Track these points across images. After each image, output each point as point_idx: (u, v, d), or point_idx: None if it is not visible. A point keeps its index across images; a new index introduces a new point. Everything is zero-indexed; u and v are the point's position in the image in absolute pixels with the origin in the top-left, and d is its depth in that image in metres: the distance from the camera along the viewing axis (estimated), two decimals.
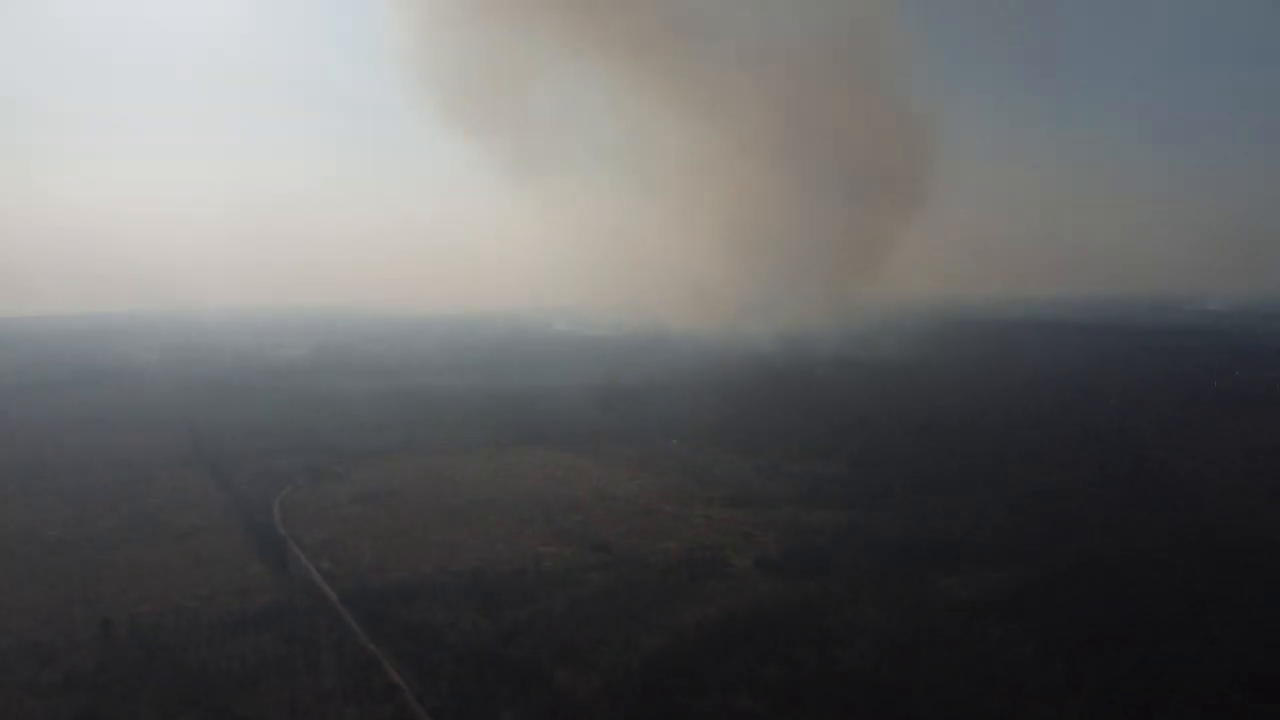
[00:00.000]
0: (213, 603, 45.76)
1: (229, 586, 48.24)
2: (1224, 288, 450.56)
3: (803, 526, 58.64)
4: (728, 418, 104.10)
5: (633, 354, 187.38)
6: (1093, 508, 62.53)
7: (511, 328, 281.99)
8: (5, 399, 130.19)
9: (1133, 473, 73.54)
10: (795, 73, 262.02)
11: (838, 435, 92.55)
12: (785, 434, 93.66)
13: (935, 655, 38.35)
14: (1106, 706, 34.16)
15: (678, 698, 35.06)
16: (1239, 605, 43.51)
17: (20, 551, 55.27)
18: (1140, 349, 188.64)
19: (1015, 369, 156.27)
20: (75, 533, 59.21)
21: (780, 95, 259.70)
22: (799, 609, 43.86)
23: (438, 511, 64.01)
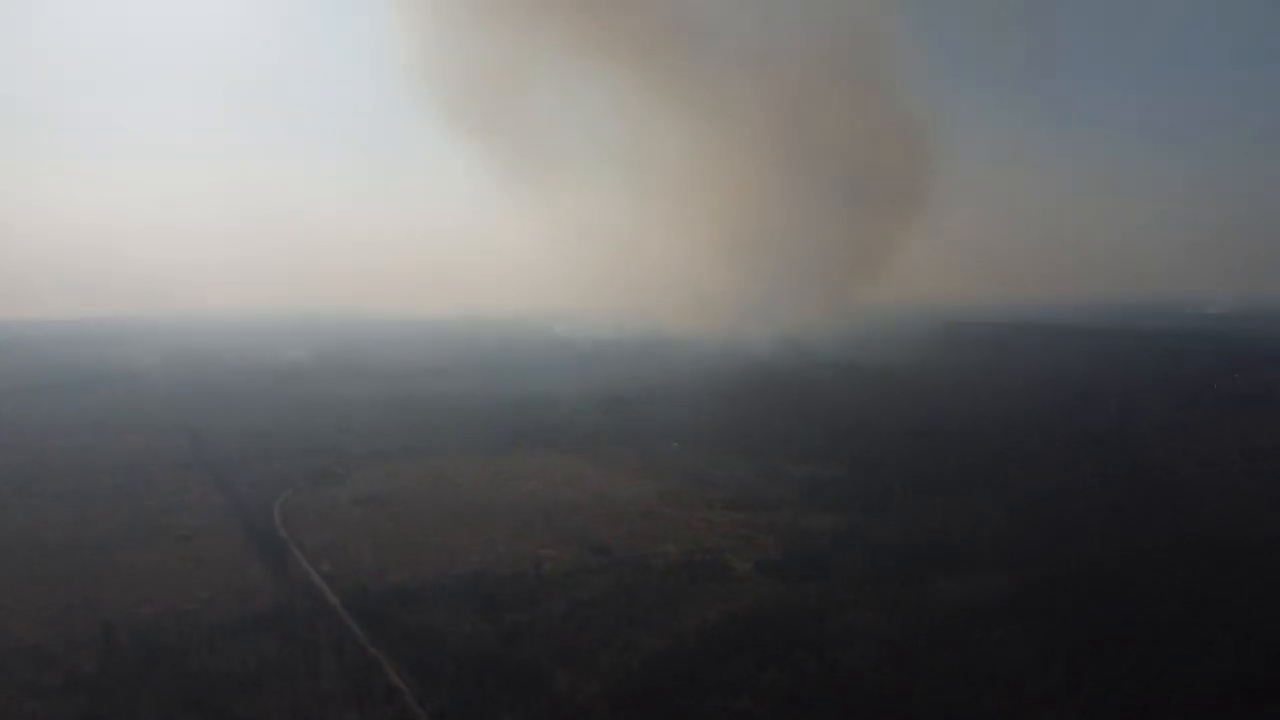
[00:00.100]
0: (213, 605, 45.79)
1: (230, 589, 48.28)
2: (1224, 291, 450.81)
3: (803, 529, 58.69)
4: (728, 421, 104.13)
5: (633, 357, 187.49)
6: (1092, 511, 62.58)
7: (512, 331, 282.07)
8: (5, 403, 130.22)
9: (1132, 476, 73.56)
10: (796, 76, 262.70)
11: (838, 438, 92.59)
12: (785, 437, 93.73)
13: (935, 658, 38.38)
14: (1106, 709, 34.20)
15: (678, 700, 35.10)
16: (1239, 608, 43.53)
17: (21, 555, 55.29)
18: (1140, 352, 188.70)
19: (1015, 372, 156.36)
20: (76, 536, 59.25)
21: (781, 98, 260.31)
22: (799, 612, 43.89)
23: (438, 515, 64.06)
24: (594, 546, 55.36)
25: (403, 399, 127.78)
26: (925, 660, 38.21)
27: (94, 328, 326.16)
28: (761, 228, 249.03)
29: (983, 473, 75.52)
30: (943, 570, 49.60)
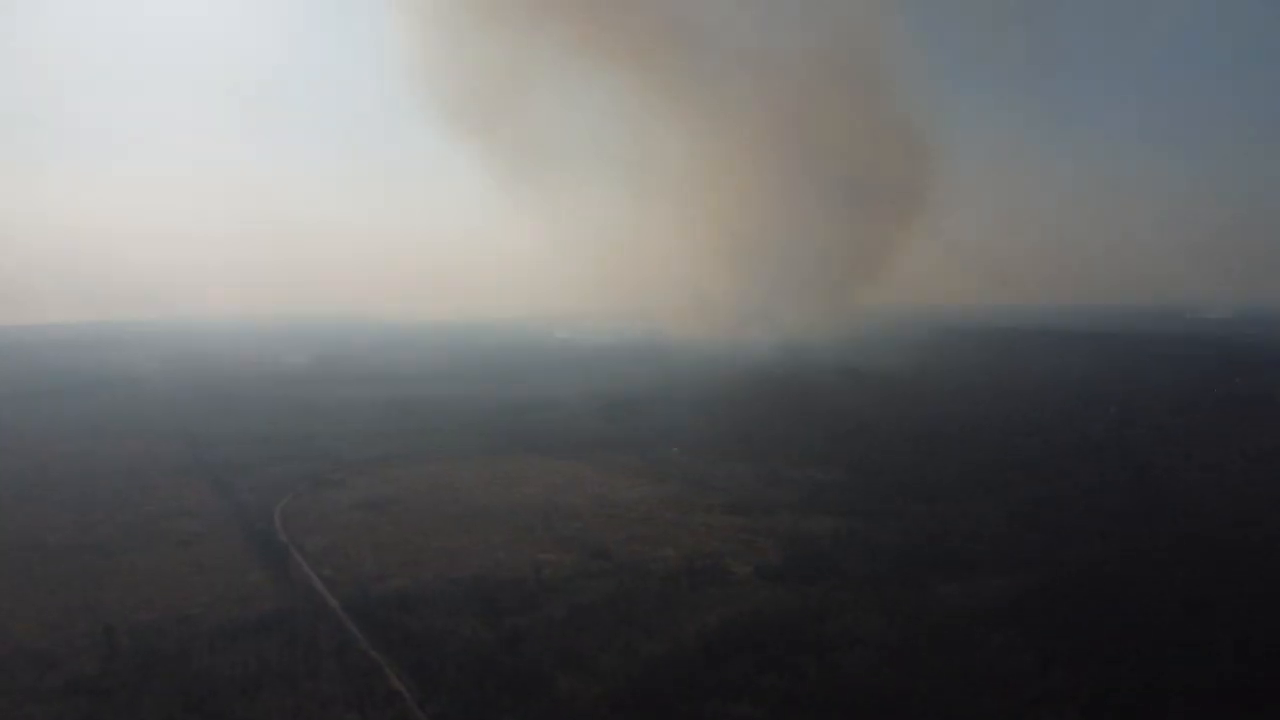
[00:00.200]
0: (214, 609, 45.86)
1: (230, 593, 48.35)
2: (1225, 295, 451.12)
3: (803, 533, 58.76)
4: (728, 424, 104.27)
5: (633, 360, 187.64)
6: (1092, 515, 62.64)
7: (512, 335, 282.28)
8: (6, 407, 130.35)
9: (1132, 480, 73.64)
10: (795, 77, 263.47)
11: (838, 441, 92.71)
12: (785, 441, 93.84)
13: (935, 662, 38.45)
14: (1106, 713, 34.25)
15: (678, 705, 35.16)
16: (1239, 611, 43.60)
17: (21, 559, 55.38)
18: (1140, 357, 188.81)
19: (1015, 377, 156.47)
20: (76, 540, 59.34)
21: (781, 100, 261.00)
22: (799, 616, 43.96)
23: (439, 519, 64.13)
24: (594, 550, 55.42)
25: (403, 403, 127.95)
26: (925, 664, 38.27)
27: (94, 332, 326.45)
28: (761, 230, 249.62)
29: (982, 476, 75.62)
30: (943, 573, 49.68)
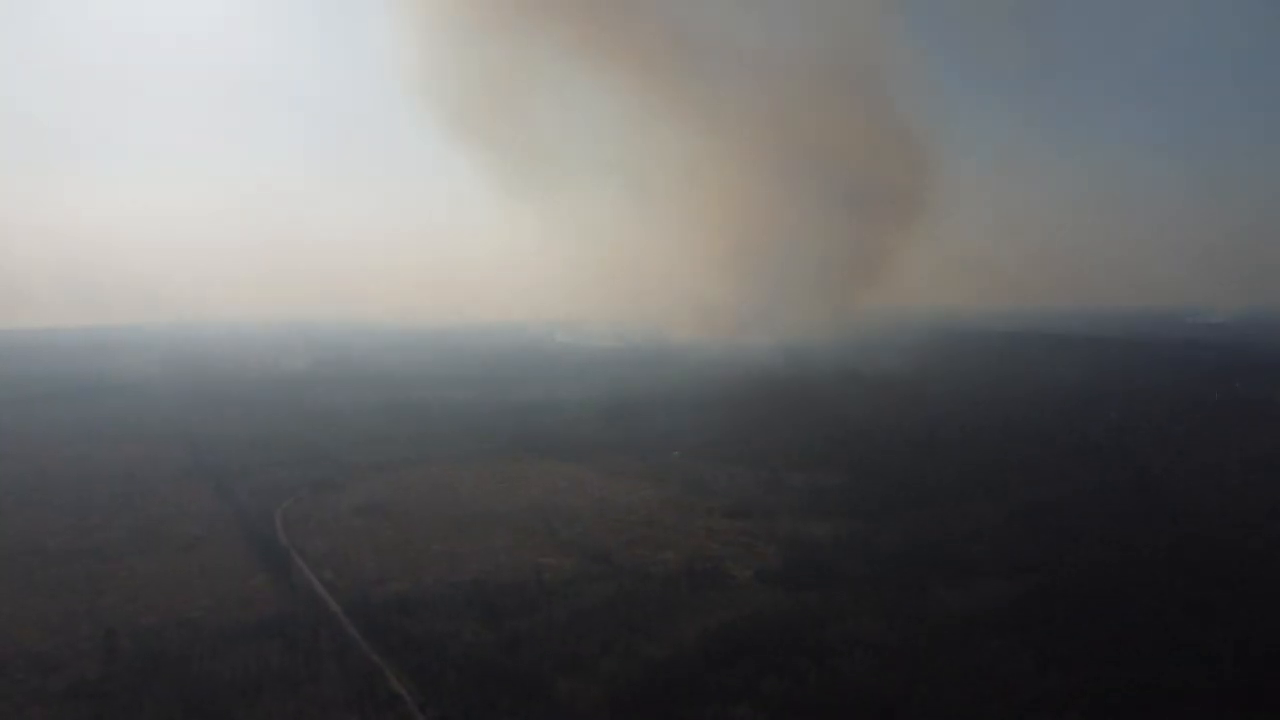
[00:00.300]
0: (216, 613, 45.97)
1: (232, 597, 48.45)
2: (1226, 299, 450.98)
3: (803, 537, 58.85)
4: (728, 429, 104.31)
5: (634, 365, 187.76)
6: (1092, 518, 62.72)
7: (513, 339, 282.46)
8: (7, 411, 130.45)
9: (1132, 484, 73.71)
10: (797, 84, 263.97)
11: (838, 446, 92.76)
12: (785, 444, 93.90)
13: (934, 666, 38.54)
14: (1104, 715, 34.33)
15: (678, 708, 35.26)
16: (1238, 616, 43.68)
17: (23, 562, 55.50)
18: (1140, 361, 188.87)
19: (1015, 381, 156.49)
20: (78, 544, 59.45)
21: (781, 106, 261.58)
22: (799, 619, 44.06)
23: (439, 523, 64.22)
24: (595, 554, 55.53)
25: (403, 407, 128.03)
26: (925, 668, 38.36)
27: (94, 336, 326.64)
28: (762, 233, 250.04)
29: (982, 478, 75.70)
30: (942, 577, 49.77)
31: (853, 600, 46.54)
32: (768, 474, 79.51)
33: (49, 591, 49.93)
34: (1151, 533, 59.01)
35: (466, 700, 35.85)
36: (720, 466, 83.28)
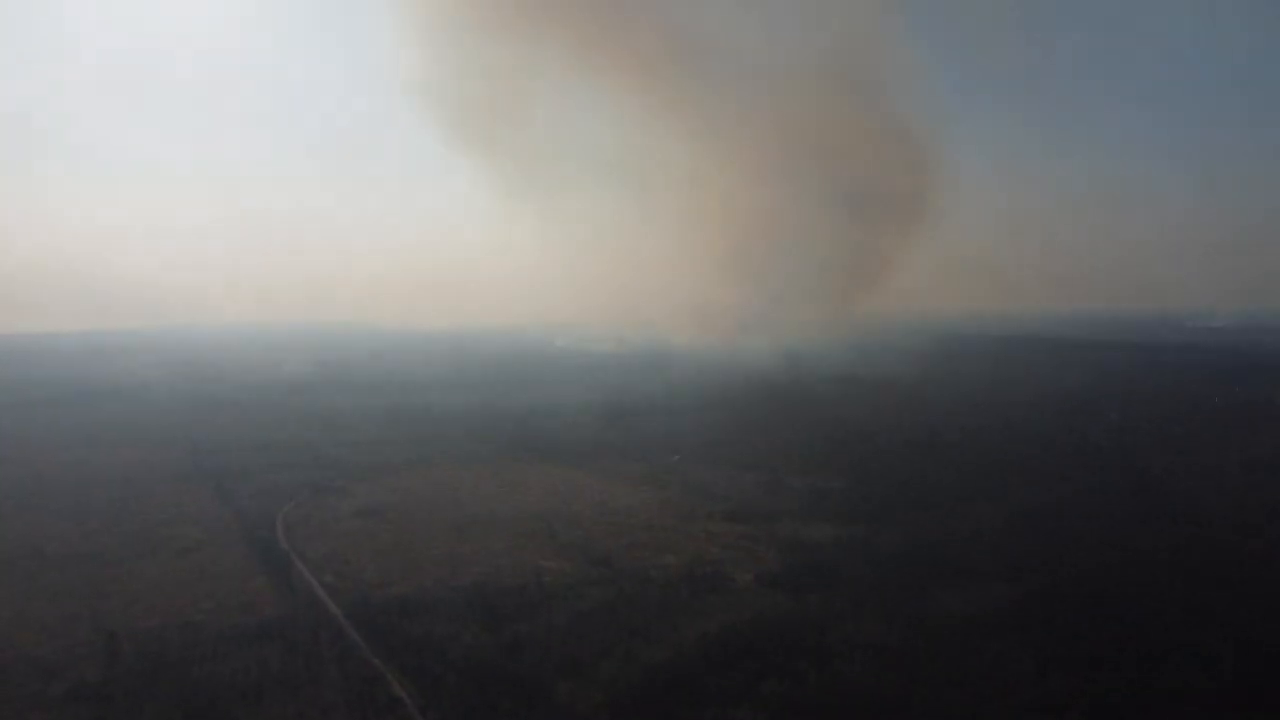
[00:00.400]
0: (217, 616, 45.98)
1: (233, 601, 48.46)
2: (1228, 303, 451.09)
3: (803, 541, 58.87)
4: (729, 432, 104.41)
5: (634, 370, 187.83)
6: (1092, 522, 62.73)
7: (513, 344, 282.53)
8: (6, 416, 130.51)
9: (1132, 487, 73.73)
10: (797, 90, 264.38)
11: (838, 449, 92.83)
12: (786, 448, 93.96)
13: (935, 669, 38.55)
14: (1104, 718, 34.33)
15: (679, 711, 35.26)
16: (1238, 620, 43.69)
17: (23, 567, 55.48)
18: (1141, 365, 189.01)
19: (1016, 384, 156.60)
20: (78, 548, 59.45)
21: (782, 110, 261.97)
22: (799, 623, 44.07)
23: (440, 526, 64.24)
24: (595, 558, 55.54)
25: (404, 411, 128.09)
26: (925, 671, 38.38)
27: (95, 340, 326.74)
28: (762, 237, 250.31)
29: (982, 482, 75.73)
30: (942, 580, 49.79)
31: (853, 603, 46.57)
32: (768, 477, 79.56)
33: (49, 595, 49.93)
34: (1152, 534, 59.05)
35: (467, 703, 35.86)
36: (720, 469, 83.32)
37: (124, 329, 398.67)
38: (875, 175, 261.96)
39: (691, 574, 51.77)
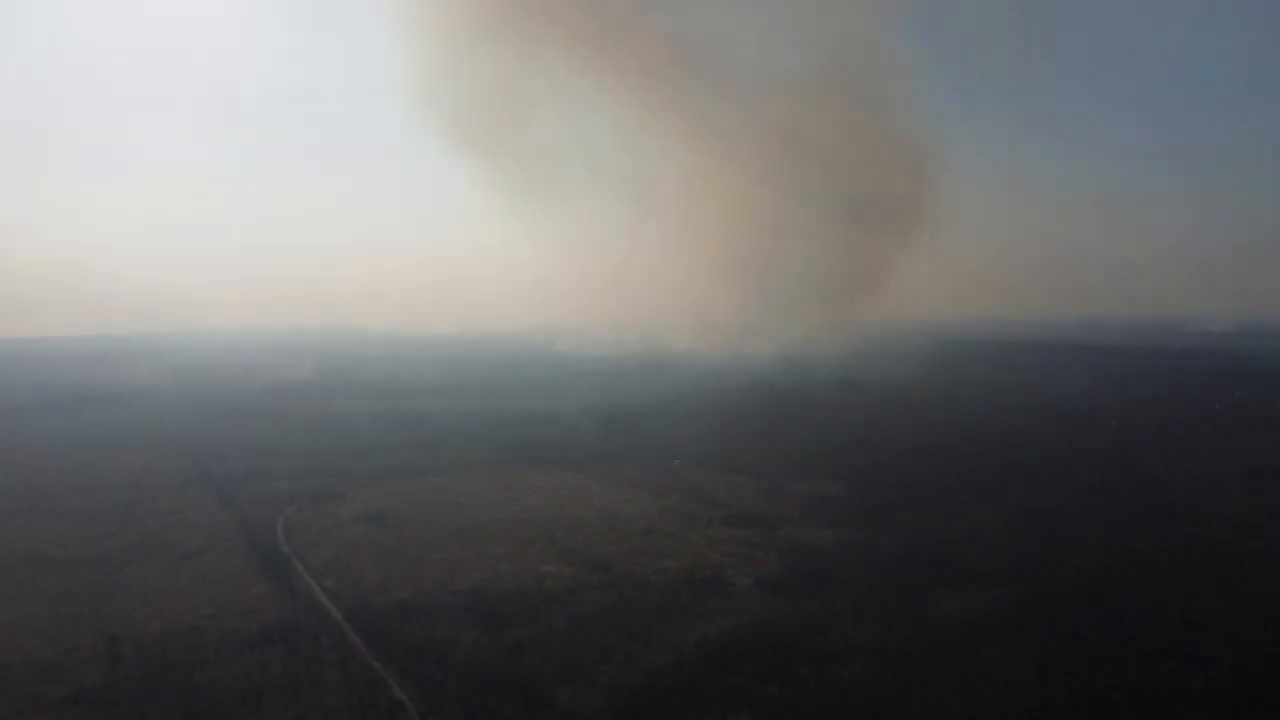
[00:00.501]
0: (218, 621, 46.10)
1: (234, 605, 48.58)
2: (1228, 309, 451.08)
3: (803, 545, 58.98)
4: (729, 438, 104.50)
5: (635, 375, 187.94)
6: (1091, 525, 62.82)
7: (514, 349, 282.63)
8: (9, 420, 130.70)
9: (1132, 491, 73.82)
10: (797, 98, 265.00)
11: (838, 454, 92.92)
12: (786, 453, 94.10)
13: (934, 672, 38.64)
14: None
15: (679, 715, 35.37)
16: (1237, 620, 43.78)
17: (25, 571, 55.65)
18: (1141, 370, 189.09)
19: (1015, 389, 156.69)
20: (80, 552, 59.60)
21: (782, 117, 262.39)
22: (799, 627, 44.16)
23: (440, 531, 64.36)
24: (595, 563, 55.64)
25: (405, 417, 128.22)
26: (924, 674, 38.46)
27: (98, 346, 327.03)
28: (763, 244, 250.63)
29: (982, 485, 75.82)
30: (942, 584, 49.87)
31: (853, 607, 46.65)
32: (768, 482, 79.65)
33: (51, 599, 50.08)
34: (1151, 536, 59.14)
35: (467, 707, 35.98)
36: (720, 475, 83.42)
37: (125, 334, 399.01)
38: (876, 179, 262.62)
39: (691, 578, 51.88)
